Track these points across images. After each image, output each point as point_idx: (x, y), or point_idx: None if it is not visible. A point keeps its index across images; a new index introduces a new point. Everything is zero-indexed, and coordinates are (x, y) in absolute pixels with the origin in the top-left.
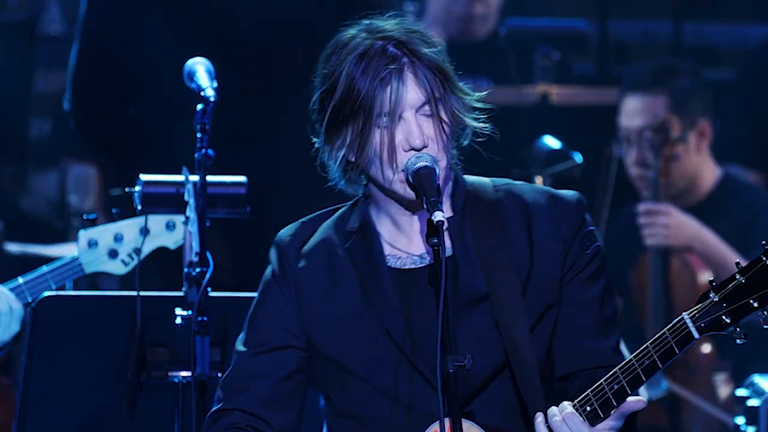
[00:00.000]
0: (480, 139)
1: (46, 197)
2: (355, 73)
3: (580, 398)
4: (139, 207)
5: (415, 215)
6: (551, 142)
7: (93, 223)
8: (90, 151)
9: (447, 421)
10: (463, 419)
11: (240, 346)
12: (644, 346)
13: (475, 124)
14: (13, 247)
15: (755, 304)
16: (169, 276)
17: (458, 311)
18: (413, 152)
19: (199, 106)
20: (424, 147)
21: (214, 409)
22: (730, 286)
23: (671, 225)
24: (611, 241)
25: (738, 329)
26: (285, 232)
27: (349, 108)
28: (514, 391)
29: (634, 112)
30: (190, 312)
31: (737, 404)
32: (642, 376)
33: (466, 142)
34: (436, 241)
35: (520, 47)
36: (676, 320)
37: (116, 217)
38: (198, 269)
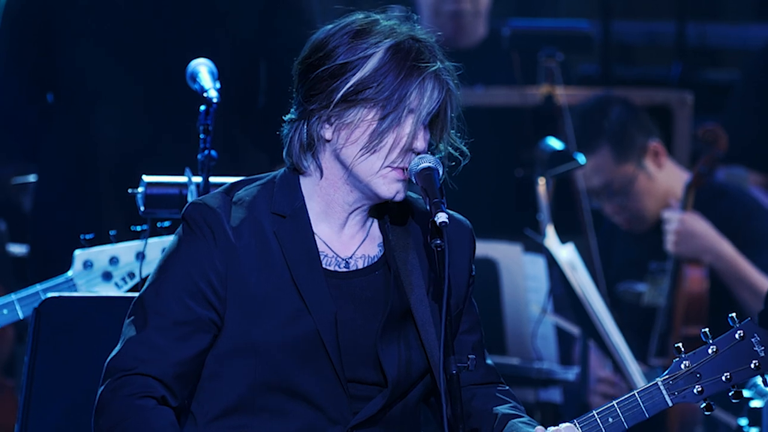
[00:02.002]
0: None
1: None
2: (389, 62)
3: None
4: (142, 208)
5: (357, 217)
6: (554, 143)
7: (90, 243)
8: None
9: None
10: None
11: (151, 305)
12: (611, 404)
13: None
14: (15, 248)
15: (726, 379)
16: None
17: (389, 324)
18: (412, 153)
19: (202, 107)
20: (422, 152)
21: (121, 371)
22: (704, 358)
23: (680, 233)
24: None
25: (708, 402)
26: (207, 199)
27: (371, 92)
28: (418, 402)
29: (588, 175)
30: None
31: (740, 406)
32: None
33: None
34: (439, 242)
35: (524, 48)
36: (650, 385)
37: (113, 239)
38: None
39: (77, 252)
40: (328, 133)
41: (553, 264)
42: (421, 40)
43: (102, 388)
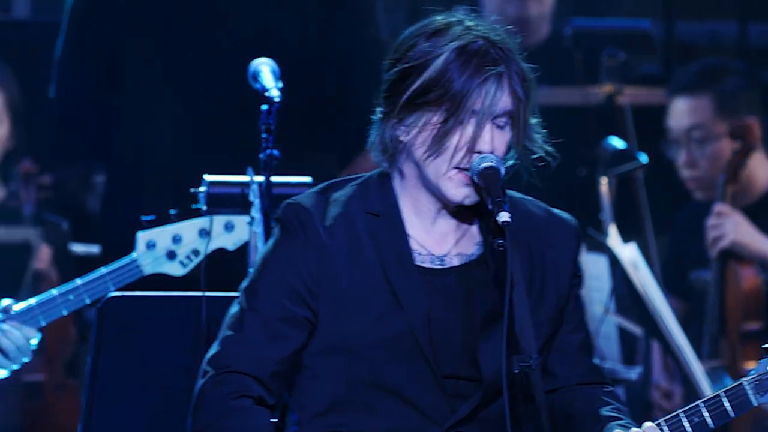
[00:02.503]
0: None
1: None
2: (454, 63)
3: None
4: (204, 207)
5: (447, 215)
6: (617, 142)
7: (151, 224)
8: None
9: None
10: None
11: (248, 305)
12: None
13: (536, 144)
14: (78, 248)
15: None
16: (234, 276)
17: (486, 322)
18: (476, 154)
19: (264, 107)
20: (491, 153)
21: (216, 370)
22: None
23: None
24: (674, 240)
25: None
26: (301, 199)
27: (435, 94)
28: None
29: (680, 113)
30: None
31: None
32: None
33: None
34: (501, 242)
35: (586, 48)
36: (735, 385)
37: (174, 218)
38: None
39: (140, 233)
40: (402, 135)
41: (615, 263)
42: (495, 42)
43: (199, 385)
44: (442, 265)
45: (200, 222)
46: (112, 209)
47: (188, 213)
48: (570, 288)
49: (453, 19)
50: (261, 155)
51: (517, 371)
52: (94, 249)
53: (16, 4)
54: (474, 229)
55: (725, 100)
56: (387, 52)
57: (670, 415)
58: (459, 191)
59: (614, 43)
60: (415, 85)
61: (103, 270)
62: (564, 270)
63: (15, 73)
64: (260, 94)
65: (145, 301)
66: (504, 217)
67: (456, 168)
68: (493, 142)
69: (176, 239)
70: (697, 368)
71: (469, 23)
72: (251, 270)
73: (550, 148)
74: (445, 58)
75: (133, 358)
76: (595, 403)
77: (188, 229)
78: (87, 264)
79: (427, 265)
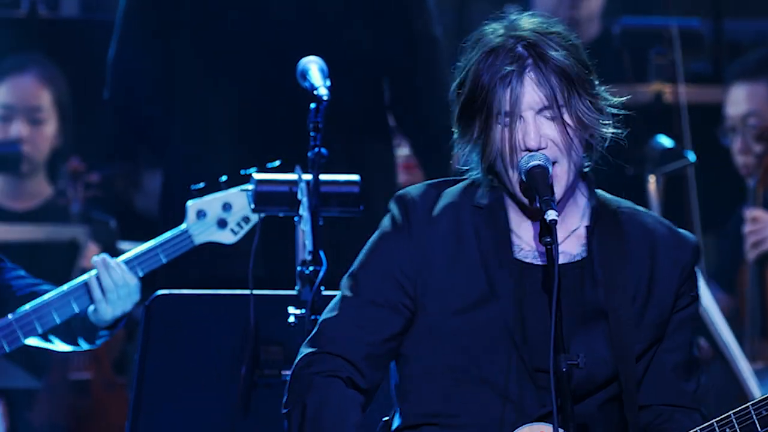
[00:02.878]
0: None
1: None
2: (482, 68)
3: None
4: (253, 206)
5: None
6: (665, 141)
7: (201, 193)
8: (130, 144)
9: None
10: (543, 423)
11: (348, 292)
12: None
13: (606, 130)
14: (126, 246)
15: None
16: (281, 274)
17: (578, 321)
18: (528, 152)
19: (312, 105)
20: (541, 149)
21: (310, 350)
22: None
23: (754, 232)
24: (726, 238)
25: None
26: (412, 190)
27: (475, 103)
28: (611, 410)
29: (737, 100)
30: (303, 311)
31: None
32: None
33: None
34: (549, 240)
35: (635, 46)
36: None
37: (224, 186)
38: (311, 268)
39: (189, 203)
40: (475, 147)
41: None
42: (525, 38)
43: (294, 365)
44: (545, 261)
45: (249, 188)
46: (169, 208)
47: (238, 181)
48: (675, 305)
49: (498, 24)
50: (309, 153)
51: (564, 369)
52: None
53: (64, 2)
54: (581, 231)
55: None
56: (438, 45)
57: (721, 416)
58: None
59: (663, 42)
60: (462, 99)
61: (154, 242)
62: (670, 286)
63: (63, 72)
64: (309, 93)
65: (192, 299)
66: (551, 215)
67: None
68: (539, 136)
69: (226, 207)
70: (744, 367)
71: (516, 23)
72: (359, 256)
73: (617, 131)
74: (476, 64)
75: (181, 357)
76: (671, 427)
77: (238, 196)
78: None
79: (529, 260)
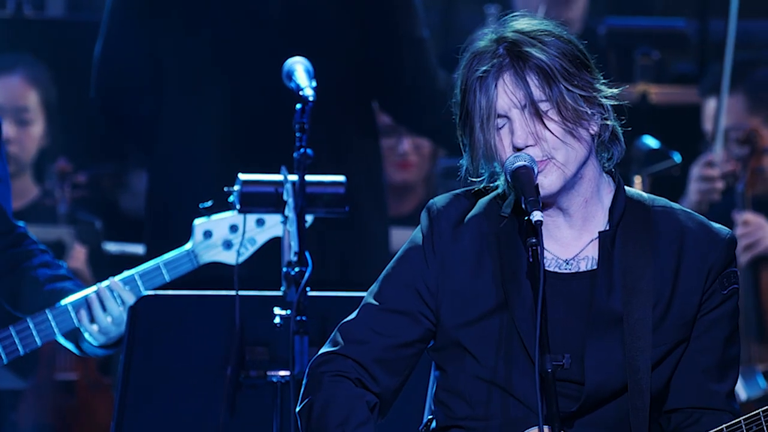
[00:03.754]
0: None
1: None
2: (465, 73)
3: None
4: (238, 206)
5: (569, 220)
6: (650, 141)
7: (208, 211)
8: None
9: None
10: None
11: (370, 298)
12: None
13: (604, 122)
14: (112, 247)
15: None
16: (267, 275)
17: (590, 328)
18: (515, 151)
19: (298, 106)
20: (528, 146)
21: (325, 350)
22: None
23: (746, 235)
24: None
25: None
26: (440, 201)
27: (464, 110)
28: (627, 419)
29: (714, 115)
30: (289, 311)
31: None
32: None
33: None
34: (534, 241)
35: (620, 46)
36: None
37: (205, 212)
38: (297, 269)
39: (197, 222)
40: (479, 158)
41: None
42: (507, 38)
43: (308, 365)
44: (568, 269)
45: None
46: (155, 208)
47: (223, 207)
48: (702, 305)
49: (488, 29)
50: (295, 154)
51: (549, 370)
52: (128, 248)
53: (50, 2)
54: (606, 234)
55: (755, 93)
56: (425, 46)
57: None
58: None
59: (648, 42)
60: (459, 109)
61: (159, 261)
62: (697, 285)
63: (50, 72)
64: (295, 93)
65: (177, 299)
66: (537, 216)
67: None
68: (526, 134)
69: (233, 228)
70: None
71: (498, 27)
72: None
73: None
74: (462, 71)
75: (166, 357)
76: (696, 430)
77: (246, 218)
78: (121, 263)
79: (551, 268)
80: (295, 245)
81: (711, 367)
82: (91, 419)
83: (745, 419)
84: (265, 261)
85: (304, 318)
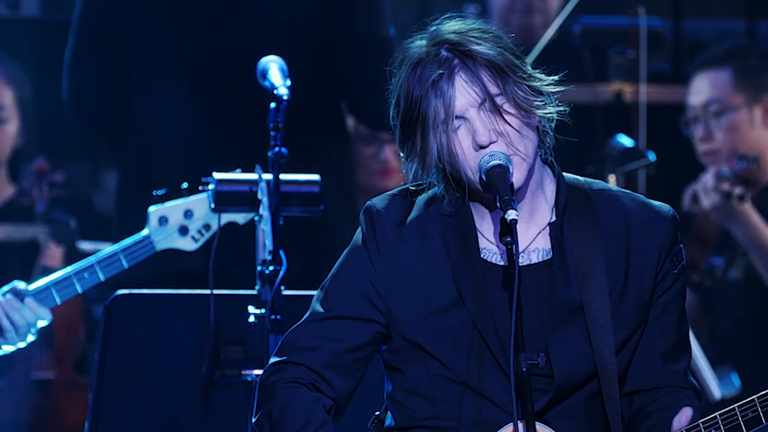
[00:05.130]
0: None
1: None
2: (411, 82)
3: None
4: (213, 205)
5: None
6: (625, 140)
7: (162, 199)
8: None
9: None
10: (538, 423)
11: (317, 304)
12: None
13: (550, 110)
14: (86, 246)
15: None
16: (242, 274)
17: (553, 319)
18: (484, 150)
19: (272, 105)
20: (492, 143)
21: (275, 360)
22: None
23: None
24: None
25: None
26: (379, 202)
27: (412, 118)
28: (596, 404)
29: (700, 89)
30: (263, 310)
31: None
32: None
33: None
34: (509, 239)
35: (595, 45)
36: None
37: (185, 193)
38: (271, 267)
39: (151, 209)
40: (424, 162)
41: None
42: (448, 41)
43: (268, 365)
44: (520, 262)
45: (210, 195)
46: (124, 207)
47: (198, 188)
48: (656, 287)
49: (420, 37)
50: (269, 153)
51: (525, 369)
52: (103, 247)
53: (24, 2)
54: (549, 225)
55: (745, 73)
56: (390, 45)
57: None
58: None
59: (623, 41)
60: (399, 118)
61: (116, 247)
62: (649, 267)
63: (25, 71)
64: (269, 92)
65: (152, 299)
66: (512, 215)
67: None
68: (488, 131)
69: (188, 214)
70: (704, 365)
71: (437, 30)
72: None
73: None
74: (405, 81)
75: (141, 356)
76: (666, 401)
77: (199, 203)
78: None
79: (500, 261)
80: (269, 244)
81: (668, 349)
82: (66, 418)
83: (739, 406)
84: (240, 259)
85: (278, 317)
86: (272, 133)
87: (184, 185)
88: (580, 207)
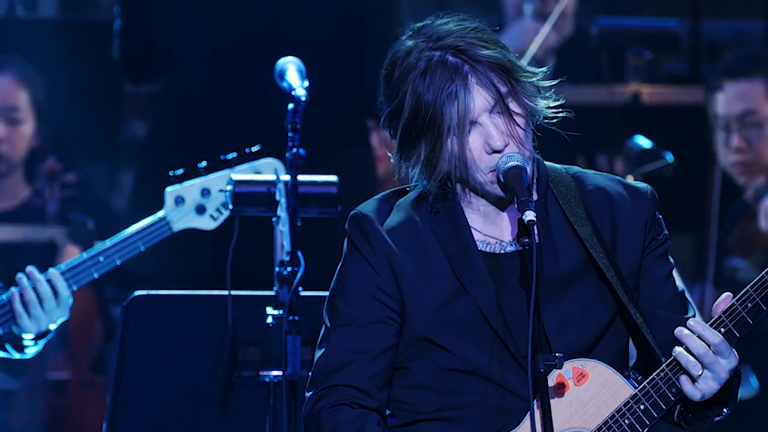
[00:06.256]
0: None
1: None
2: (420, 90)
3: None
4: (231, 206)
5: (505, 210)
6: (643, 141)
7: (179, 179)
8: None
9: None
10: (589, 359)
11: (333, 323)
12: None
13: (548, 103)
14: None
15: None
16: (260, 275)
17: (549, 295)
18: (497, 154)
19: (290, 106)
20: (506, 146)
21: (311, 392)
22: None
23: None
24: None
25: None
26: (366, 208)
27: (420, 125)
28: (622, 340)
29: (732, 99)
30: (281, 311)
31: None
32: None
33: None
34: (527, 240)
35: (612, 46)
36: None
37: (202, 171)
38: (289, 268)
39: (168, 189)
40: (424, 166)
41: None
42: (453, 46)
43: (306, 400)
44: (515, 248)
45: (228, 174)
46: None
47: (217, 166)
48: (643, 251)
49: (414, 40)
50: (287, 154)
51: (542, 370)
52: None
53: (41, 3)
54: (539, 211)
55: None
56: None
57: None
58: (500, 190)
59: (640, 42)
60: (402, 124)
61: (132, 230)
62: (636, 238)
63: (40, 72)
64: (287, 93)
65: (170, 299)
66: (529, 216)
67: (491, 171)
68: (501, 134)
69: (205, 193)
70: None
71: (433, 31)
72: (331, 286)
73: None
74: (412, 88)
75: (158, 357)
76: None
77: (216, 182)
78: None
79: (494, 250)
80: (287, 245)
81: (672, 301)
82: (82, 419)
83: (737, 299)
84: (258, 260)
85: (296, 318)
86: (290, 134)
87: (202, 164)
88: (563, 186)
